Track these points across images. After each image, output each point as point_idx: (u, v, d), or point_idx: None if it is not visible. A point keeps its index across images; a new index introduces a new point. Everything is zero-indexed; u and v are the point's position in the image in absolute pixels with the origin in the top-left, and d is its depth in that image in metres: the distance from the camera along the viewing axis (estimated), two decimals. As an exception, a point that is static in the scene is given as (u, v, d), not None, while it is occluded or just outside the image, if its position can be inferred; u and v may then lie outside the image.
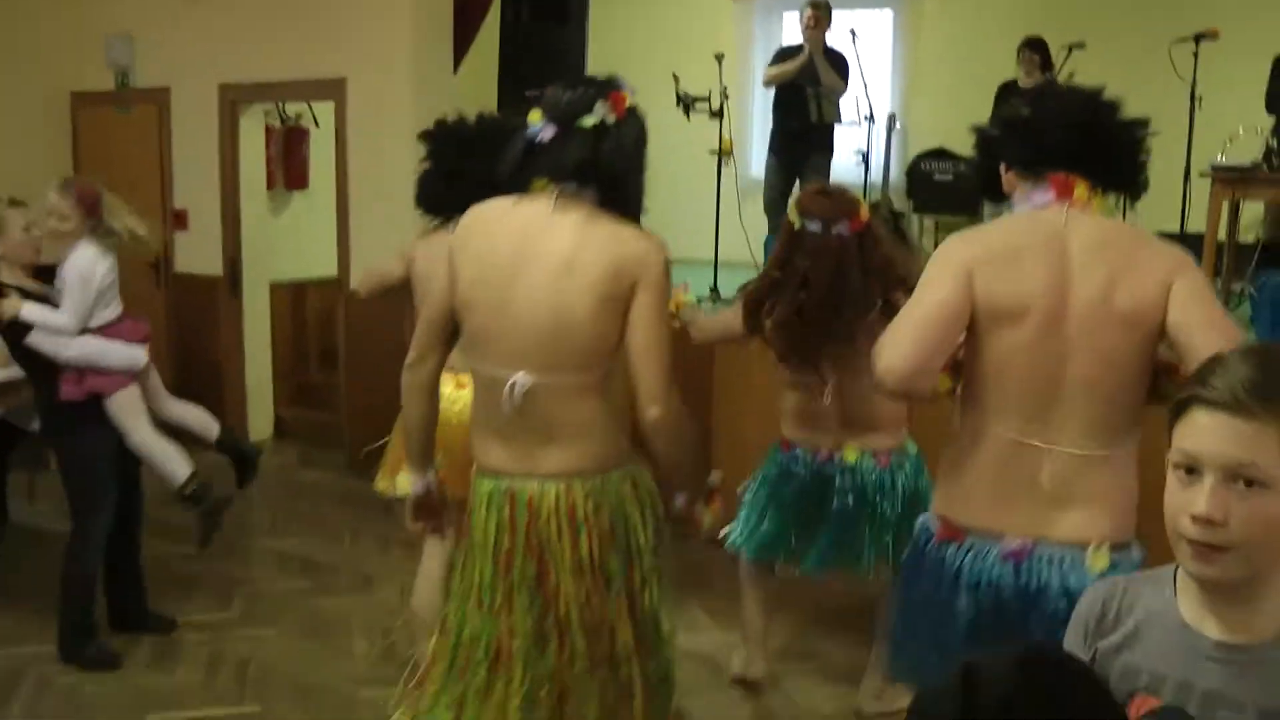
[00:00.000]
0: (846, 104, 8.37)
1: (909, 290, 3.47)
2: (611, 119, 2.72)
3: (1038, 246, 2.61)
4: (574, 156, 2.70)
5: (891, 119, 8.42)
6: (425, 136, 4.26)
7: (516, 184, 2.80)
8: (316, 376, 8.45)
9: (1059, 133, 2.70)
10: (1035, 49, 8.56)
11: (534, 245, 2.72)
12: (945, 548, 2.69)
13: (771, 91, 8.39)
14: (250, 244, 7.85)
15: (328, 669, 4.60)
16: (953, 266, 2.65)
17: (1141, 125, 2.77)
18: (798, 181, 8.13)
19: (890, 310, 3.54)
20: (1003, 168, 2.82)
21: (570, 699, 2.82)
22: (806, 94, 8.10)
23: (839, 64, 8.25)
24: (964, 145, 9.49)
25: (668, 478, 2.92)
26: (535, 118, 2.74)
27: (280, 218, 8.50)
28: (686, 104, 7.78)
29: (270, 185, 8.25)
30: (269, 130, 8.23)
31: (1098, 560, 2.54)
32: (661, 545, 2.88)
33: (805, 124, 8.12)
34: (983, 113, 8.71)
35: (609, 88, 2.75)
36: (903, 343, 2.63)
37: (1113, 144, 2.75)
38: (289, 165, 8.58)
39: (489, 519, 2.81)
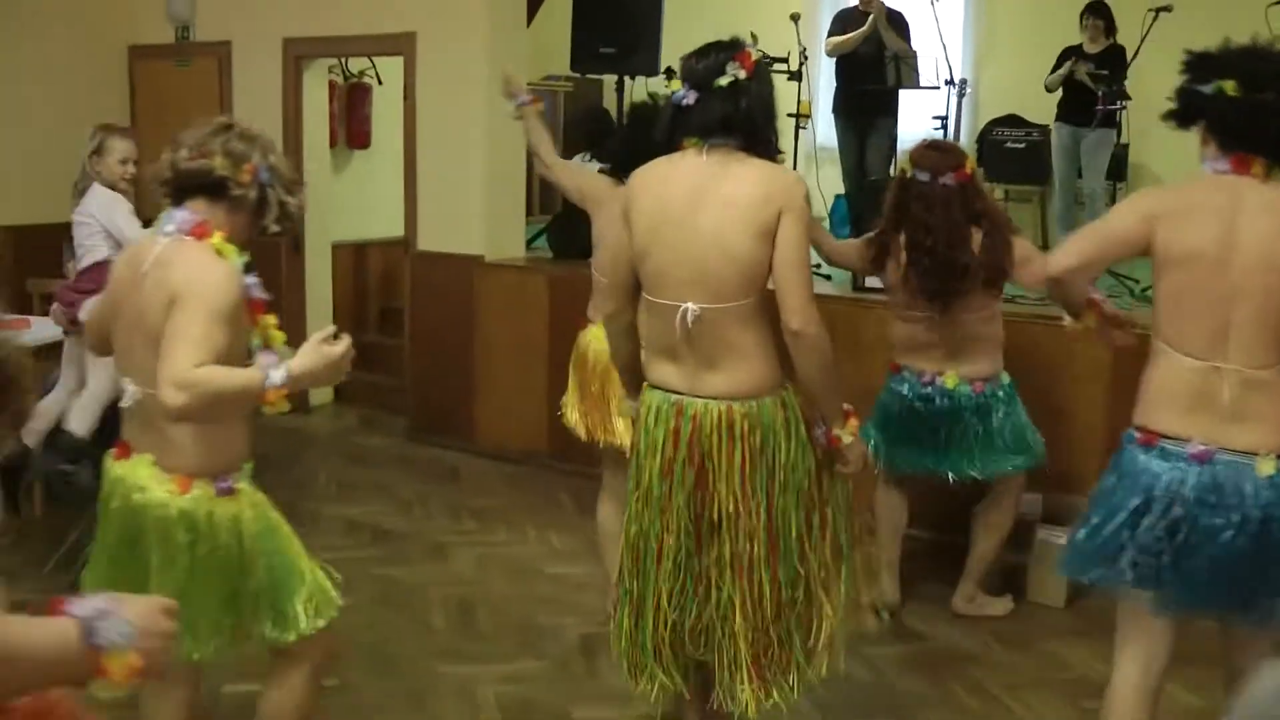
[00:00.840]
0: (924, 68, 8.13)
1: (1014, 232, 4.47)
2: (743, 75, 3.05)
3: (1214, 206, 2.98)
4: (717, 113, 3.04)
5: (962, 84, 8.19)
6: (634, 109, 4.59)
7: (669, 145, 3.17)
8: (377, 339, 8.28)
9: (1265, 126, 2.98)
10: (1098, 14, 8.28)
11: (699, 192, 3.07)
12: (1141, 451, 3.05)
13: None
14: (313, 203, 7.61)
15: (406, 641, 4.43)
16: (1140, 211, 3.11)
17: None
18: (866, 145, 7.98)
19: (999, 248, 4.30)
20: (1202, 124, 3.09)
21: (714, 598, 3.16)
22: (884, 58, 7.86)
23: (900, 26, 8.01)
24: (1036, 112, 9.35)
25: (810, 403, 3.21)
26: (676, 85, 3.13)
27: (342, 177, 8.31)
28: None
29: (332, 144, 8.04)
30: (331, 87, 8.02)
31: (1265, 466, 2.91)
32: (803, 463, 3.17)
33: (881, 89, 7.88)
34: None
35: (735, 48, 3.08)
36: (1072, 247, 3.15)
37: None
38: (351, 123, 8.40)
39: (657, 428, 3.17)
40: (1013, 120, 9.90)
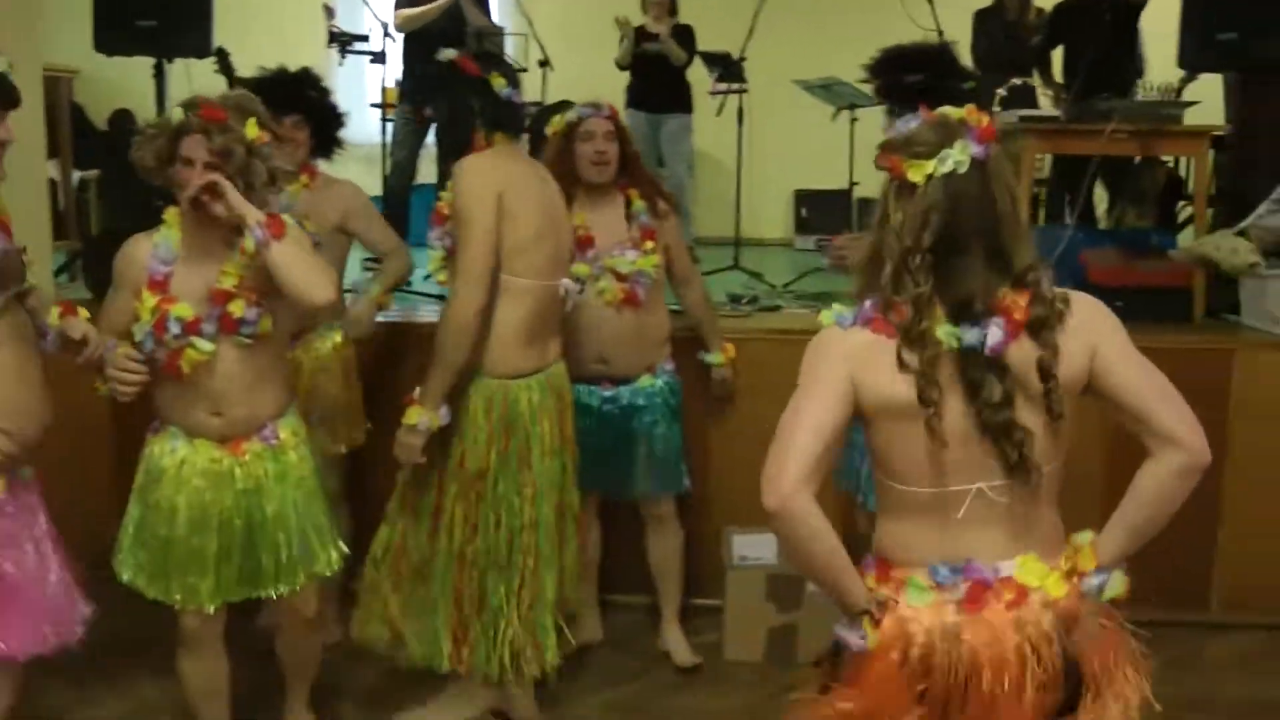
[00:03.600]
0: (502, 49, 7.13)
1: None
2: None
3: None
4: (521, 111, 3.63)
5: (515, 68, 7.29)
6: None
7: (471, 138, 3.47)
8: None
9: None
10: None
11: (543, 186, 3.52)
12: None
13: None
14: None
15: None
16: None
17: None
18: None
19: None
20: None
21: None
22: (465, 36, 6.80)
23: (483, 2, 7.04)
24: (604, 95, 8.64)
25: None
26: (500, 83, 3.45)
27: None
28: (342, 43, 6.25)
29: None
30: None
31: None
32: None
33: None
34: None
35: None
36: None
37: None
38: None
39: (544, 407, 3.47)
40: (566, 107, 9.07)
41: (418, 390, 3.37)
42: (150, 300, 2.99)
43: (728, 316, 4.80)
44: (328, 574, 3.27)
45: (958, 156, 2.08)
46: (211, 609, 3.11)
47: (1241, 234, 4.66)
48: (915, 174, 2.09)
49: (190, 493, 3.06)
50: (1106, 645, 2.15)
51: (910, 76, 3.62)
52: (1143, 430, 2.10)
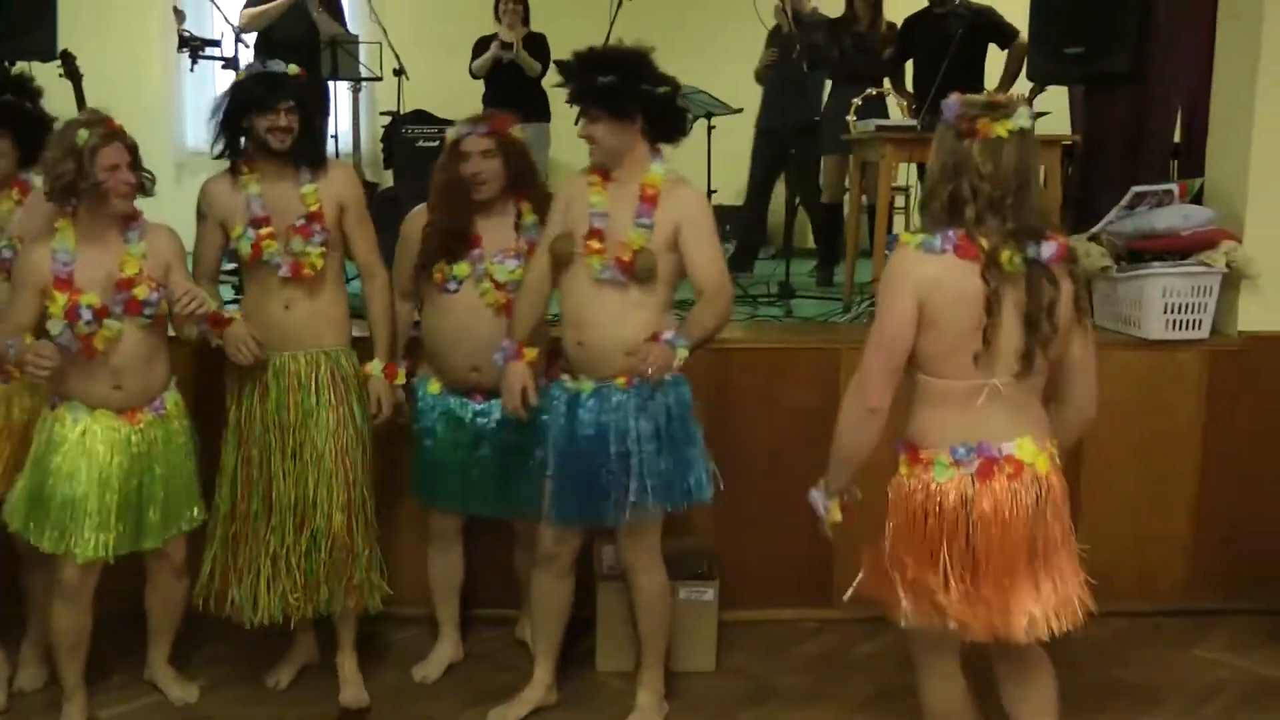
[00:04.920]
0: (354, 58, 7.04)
1: None
2: None
3: None
4: None
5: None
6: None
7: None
8: None
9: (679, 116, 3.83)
10: None
11: None
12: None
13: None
14: None
15: None
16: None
17: None
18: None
19: None
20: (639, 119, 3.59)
21: None
22: (320, 43, 6.68)
23: (333, 6, 6.90)
24: (446, 109, 8.56)
25: None
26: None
27: None
28: (193, 48, 6.06)
29: None
30: None
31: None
32: None
33: (314, 78, 6.64)
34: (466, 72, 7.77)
35: None
36: None
37: None
38: None
39: None
40: (421, 117, 8.98)
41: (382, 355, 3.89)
42: (61, 298, 3.42)
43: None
44: (194, 527, 3.78)
45: (1026, 117, 2.72)
46: (111, 558, 3.54)
47: (1094, 239, 4.77)
48: (1002, 130, 2.71)
49: (92, 457, 3.48)
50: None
51: (603, 78, 3.50)
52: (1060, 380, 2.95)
